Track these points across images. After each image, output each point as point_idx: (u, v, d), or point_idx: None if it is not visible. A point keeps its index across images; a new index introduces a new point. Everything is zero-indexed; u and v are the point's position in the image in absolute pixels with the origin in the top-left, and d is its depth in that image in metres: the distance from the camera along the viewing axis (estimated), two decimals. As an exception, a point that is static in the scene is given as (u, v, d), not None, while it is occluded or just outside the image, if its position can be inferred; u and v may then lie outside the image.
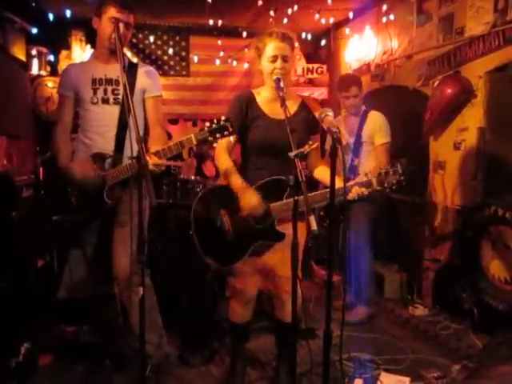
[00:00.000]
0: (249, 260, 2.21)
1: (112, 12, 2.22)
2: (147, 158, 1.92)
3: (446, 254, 3.58)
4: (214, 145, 2.25)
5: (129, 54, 5.44)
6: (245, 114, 2.22)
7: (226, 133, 2.00)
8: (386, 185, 2.11)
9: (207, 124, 2.03)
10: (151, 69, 2.49)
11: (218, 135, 2.00)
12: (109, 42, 2.25)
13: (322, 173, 2.30)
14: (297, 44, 2.83)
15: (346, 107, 3.44)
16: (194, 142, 2.04)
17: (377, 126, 3.27)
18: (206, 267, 2.27)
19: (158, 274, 2.81)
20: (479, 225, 3.09)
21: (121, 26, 2.18)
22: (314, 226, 1.62)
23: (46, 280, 3.17)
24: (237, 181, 2.15)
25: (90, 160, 2.27)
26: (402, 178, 2.11)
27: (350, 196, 2.10)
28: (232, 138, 2.23)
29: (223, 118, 2.00)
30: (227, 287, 2.38)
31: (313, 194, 2.10)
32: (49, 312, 3.02)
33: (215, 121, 2.00)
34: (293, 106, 2.24)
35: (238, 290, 2.31)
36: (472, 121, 3.35)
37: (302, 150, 1.74)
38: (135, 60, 5.41)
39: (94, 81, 2.31)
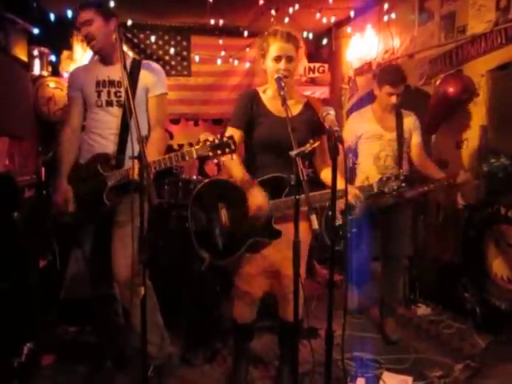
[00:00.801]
0: (255, 260, 2.21)
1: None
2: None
3: (448, 253, 3.57)
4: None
5: (130, 54, 5.45)
6: (250, 110, 2.22)
7: (227, 150, 1.97)
8: (386, 190, 2.14)
9: (210, 138, 1.99)
10: (155, 66, 2.44)
11: (219, 151, 1.98)
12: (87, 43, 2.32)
13: (327, 175, 2.29)
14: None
15: (385, 105, 2.94)
16: (194, 156, 2.02)
17: (416, 125, 3.02)
18: (200, 260, 2.27)
19: (160, 274, 2.81)
20: (482, 224, 3.08)
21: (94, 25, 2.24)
22: (316, 225, 1.62)
23: (48, 280, 3.18)
24: (253, 188, 2.13)
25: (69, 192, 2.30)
26: (404, 184, 2.14)
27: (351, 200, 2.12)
28: (237, 137, 2.22)
29: (227, 135, 1.99)
30: (233, 288, 2.37)
31: (313, 193, 2.10)
32: (51, 312, 3.03)
33: (218, 136, 1.98)
34: (297, 106, 2.24)
35: (243, 292, 2.30)
36: (474, 119, 3.34)
37: (303, 148, 1.73)
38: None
39: (97, 83, 2.32)
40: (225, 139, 1.97)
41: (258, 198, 2.10)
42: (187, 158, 2.05)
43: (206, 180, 2.36)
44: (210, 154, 1.98)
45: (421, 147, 3.03)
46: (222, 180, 2.31)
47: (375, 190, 2.15)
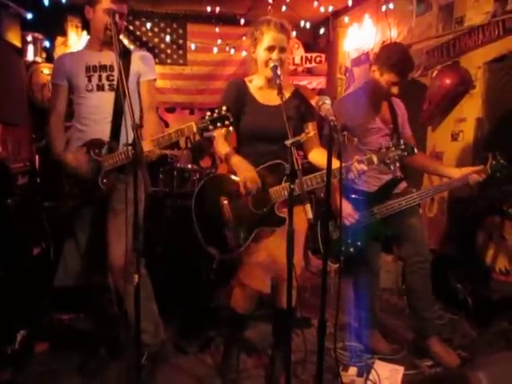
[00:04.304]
0: (254, 250, 2.20)
1: (107, 3, 2.20)
2: (143, 144, 1.91)
3: (441, 245, 3.59)
4: (214, 134, 2.25)
5: (126, 41, 5.39)
6: (237, 100, 2.23)
7: (226, 122, 2.03)
8: (387, 161, 2.13)
9: (208, 113, 2.05)
10: (145, 53, 2.48)
11: (218, 124, 2.03)
12: (104, 33, 2.24)
13: (316, 156, 2.29)
14: (294, 33, 2.66)
15: (388, 94, 2.63)
16: (195, 130, 2.06)
17: (406, 115, 2.80)
18: (211, 258, 2.29)
19: (155, 263, 2.81)
20: (476, 216, 3.09)
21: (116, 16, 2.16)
22: (310, 215, 1.62)
23: (42, 267, 3.17)
24: (236, 159, 2.17)
25: (83, 150, 2.25)
26: (405, 153, 2.13)
27: (351, 175, 2.12)
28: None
29: (224, 107, 2.02)
30: (234, 277, 2.37)
31: (308, 177, 2.10)
32: (45, 300, 3.03)
33: (216, 110, 2.02)
34: (285, 95, 2.23)
35: (244, 284, 2.29)
36: (470, 111, 3.34)
37: (298, 138, 1.72)
38: (132, 47, 5.36)
39: (87, 68, 2.29)
40: (223, 112, 2.02)
41: (244, 171, 2.12)
42: (187, 133, 2.09)
43: (205, 178, 2.37)
44: (211, 127, 2.03)
45: (413, 138, 2.88)
46: (218, 175, 2.30)
47: (375, 162, 2.13)
